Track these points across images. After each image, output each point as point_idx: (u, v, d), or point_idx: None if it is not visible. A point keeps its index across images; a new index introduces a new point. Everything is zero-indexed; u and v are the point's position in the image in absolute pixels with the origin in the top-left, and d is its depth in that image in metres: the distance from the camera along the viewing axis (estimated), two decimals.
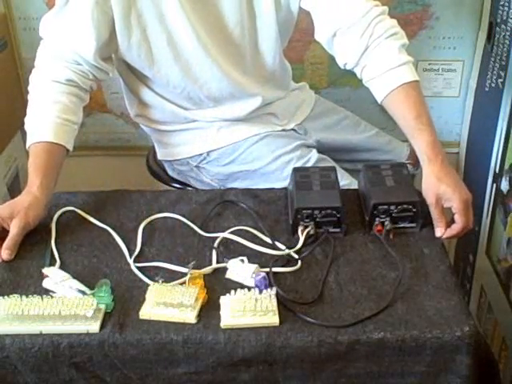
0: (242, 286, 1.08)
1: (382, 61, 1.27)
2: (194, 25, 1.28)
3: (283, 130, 1.50)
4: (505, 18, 1.59)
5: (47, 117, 1.26)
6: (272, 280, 1.09)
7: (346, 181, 1.44)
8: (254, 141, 1.45)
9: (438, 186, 1.17)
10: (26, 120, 1.29)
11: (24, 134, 2.00)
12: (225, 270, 1.12)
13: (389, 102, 1.28)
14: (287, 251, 1.17)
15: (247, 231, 1.23)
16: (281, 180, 1.43)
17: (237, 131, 1.45)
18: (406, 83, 1.25)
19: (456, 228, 1.17)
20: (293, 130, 1.53)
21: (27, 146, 1.27)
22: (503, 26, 1.60)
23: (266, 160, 1.44)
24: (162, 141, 1.53)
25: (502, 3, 1.61)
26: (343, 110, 1.67)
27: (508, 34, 1.57)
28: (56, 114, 1.27)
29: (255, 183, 1.46)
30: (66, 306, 1.03)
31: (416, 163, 1.65)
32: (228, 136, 1.45)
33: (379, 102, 1.30)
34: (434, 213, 1.19)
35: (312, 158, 1.45)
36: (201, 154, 1.47)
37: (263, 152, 1.44)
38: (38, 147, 1.25)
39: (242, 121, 1.45)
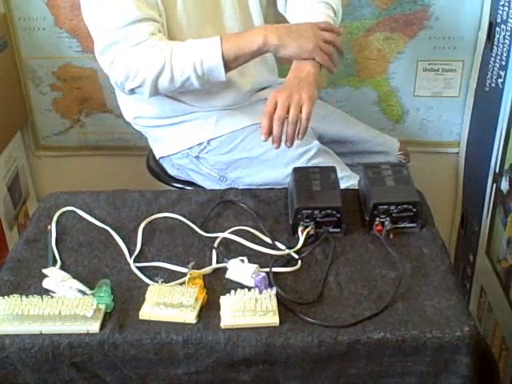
0: (242, 286, 1.08)
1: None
2: None
3: None
4: (505, 18, 1.59)
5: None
6: (272, 280, 1.09)
7: (347, 173, 1.44)
8: (254, 129, 1.46)
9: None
10: (185, 60, 1.28)
11: (24, 134, 2.02)
12: (225, 269, 1.12)
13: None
14: (287, 251, 1.17)
15: (247, 231, 1.23)
16: (282, 166, 1.43)
17: (235, 120, 1.46)
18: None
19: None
20: None
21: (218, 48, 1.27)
22: (503, 26, 1.60)
23: (266, 147, 1.44)
24: (161, 137, 1.53)
25: (501, 3, 1.61)
26: (329, 106, 1.68)
27: (508, 33, 1.57)
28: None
29: (256, 171, 1.46)
30: (66, 305, 1.03)
31: (407, 156, 1.67)
32: (227, 125, 1.46)
33: None
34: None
35: (314, 147, 1.45)
36: (201, 144, 1.47)
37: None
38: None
39: (238, 109, 1.47)
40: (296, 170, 1.30)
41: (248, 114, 1.47)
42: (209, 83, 1.32)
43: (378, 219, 1.20)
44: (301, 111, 1.24)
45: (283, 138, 1.25)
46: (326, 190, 1.23)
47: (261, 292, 1.05)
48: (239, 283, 1.09)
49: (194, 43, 1.29)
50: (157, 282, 1.09)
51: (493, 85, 1.67)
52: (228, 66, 1.28)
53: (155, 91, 1.31)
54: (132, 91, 1.33)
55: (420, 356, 1.00)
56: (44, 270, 1.13)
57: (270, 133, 1.24)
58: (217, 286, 1.09)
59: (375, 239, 1.20)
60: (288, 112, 1.23)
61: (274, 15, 1.55)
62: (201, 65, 1.27)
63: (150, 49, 1.27)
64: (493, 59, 1.66)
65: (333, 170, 1.29)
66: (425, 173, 1.76)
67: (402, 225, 1.21)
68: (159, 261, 1.16)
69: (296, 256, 1.16)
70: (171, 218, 1.27)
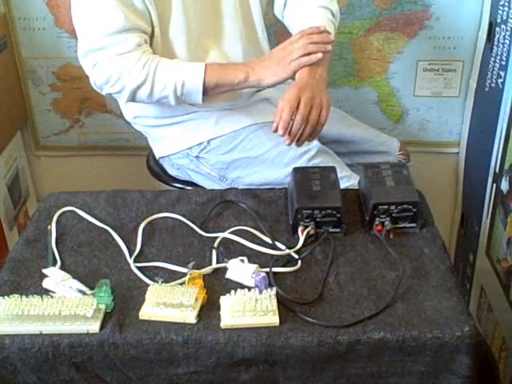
0: (242, 286, 1.08)
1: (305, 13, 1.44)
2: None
3: None
4: (505, 18, 1.59)
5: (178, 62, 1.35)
6: (272, 280, 1.09)
7: (347, 173, 1.44)
8: (254, 129, 1.46)
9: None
10: (171, 81, 1.32)
11: (24, 134, 2.02)
12: (225, 270, 1.12)
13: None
14: (287, 251, 1.17)
15: (247, 231, 1.23)
16: (282, 167, 1.43)
17: (235, 120, 1.47)
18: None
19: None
20: None
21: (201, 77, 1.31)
22: (503, 26, 1.60)
23: (266, 147, 1.45)
24: (161, 136, 1.53)
25: (501, 3, 1.61)
26: None
27: (508, 33, 1.57)
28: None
29: (256, 171, 1.47)
30: (66, 305, 1.03)
31: (407, 156, 1.67)
32: (227, 124, 1.47)
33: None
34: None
35: (314, 147, 1.45)
36: (201, 143, 1.48)
37: (263, 139, 1.45)
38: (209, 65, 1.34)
39: (238, 109, 1.47)
40: (296, 170, 1.30)
41: (248, 113, 1.47)
42: (185, 103, 1.38)
43: (377, 219, 1.20)
44: (319, 115, 1.27)
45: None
46: (326, 190, 1.23)
47: (261, 292, 1.05)
48: (239, 283, 1.09)
49: (179, 64, 1.33)
50: (157, 281, 1.09)
51: (493, 85, 1.67)
52: (207, 93, 1.33)
53: (132, 99, 1.37)
54: (109, 94, 1.38)
55: (420, 356, 1.00)
56: (44, 270, 1.13)
57: (288, 127, 1.25)
58: (217, 285, 1.09)
59: (375, 239, 1.20)
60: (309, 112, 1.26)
61: (272, 14, 1.55)
62: (182, 87, 1.32)
63: (134, 61, 1.30)
64: (493, 59, 1.66)
65: (333, 170, 1.29)
66: (425, 173, 1.76)
67: (402, 225, 1.21)
68: (159, 261, 1.16)
69: (296, 256, 1.16)
70: (171, 217, 1.27)
